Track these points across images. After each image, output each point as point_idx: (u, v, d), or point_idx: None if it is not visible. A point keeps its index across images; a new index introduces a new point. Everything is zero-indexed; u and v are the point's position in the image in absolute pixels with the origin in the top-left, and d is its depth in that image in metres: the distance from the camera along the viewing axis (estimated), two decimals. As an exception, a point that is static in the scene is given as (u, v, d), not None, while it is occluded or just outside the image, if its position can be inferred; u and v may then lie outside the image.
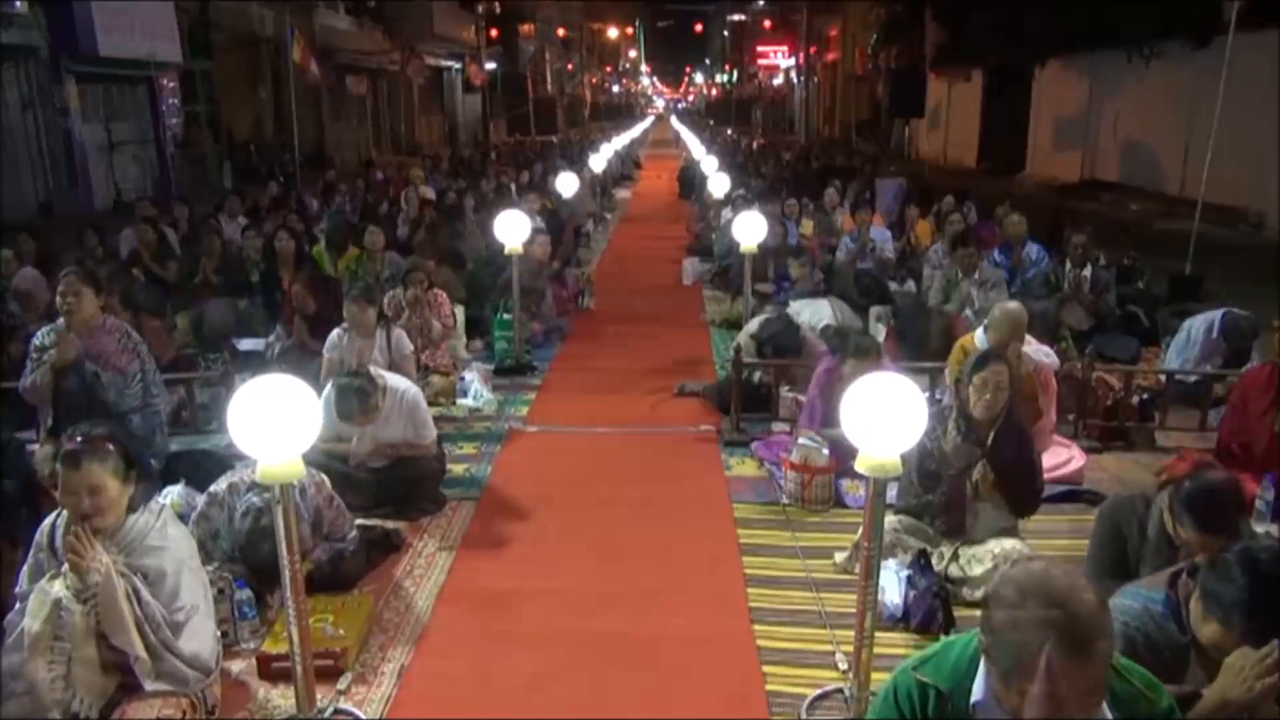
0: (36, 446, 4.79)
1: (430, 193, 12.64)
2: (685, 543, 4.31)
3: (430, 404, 5.29)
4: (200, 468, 4.57)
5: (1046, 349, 5.18)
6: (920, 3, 24.38)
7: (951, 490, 3.76)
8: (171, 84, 18.28)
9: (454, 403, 6.17)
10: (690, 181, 17.41)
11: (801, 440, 4.70)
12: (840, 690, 3.16)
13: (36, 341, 4.73)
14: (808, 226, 10.61)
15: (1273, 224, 12.13)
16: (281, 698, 3.15)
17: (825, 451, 4.60)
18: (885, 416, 2.73)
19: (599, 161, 17.77)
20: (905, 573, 3.61)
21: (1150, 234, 11.47)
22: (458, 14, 34.11)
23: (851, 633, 3.05)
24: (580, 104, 59.21)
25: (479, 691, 3.25)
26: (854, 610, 3.02)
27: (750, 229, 6.80)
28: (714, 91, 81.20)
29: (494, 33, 39.30)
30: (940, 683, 1.93)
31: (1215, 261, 9.26)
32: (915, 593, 3.54)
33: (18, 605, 2.81)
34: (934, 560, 3.70)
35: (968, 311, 6.62)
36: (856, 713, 2.96)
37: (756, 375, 5.93)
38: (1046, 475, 4.17)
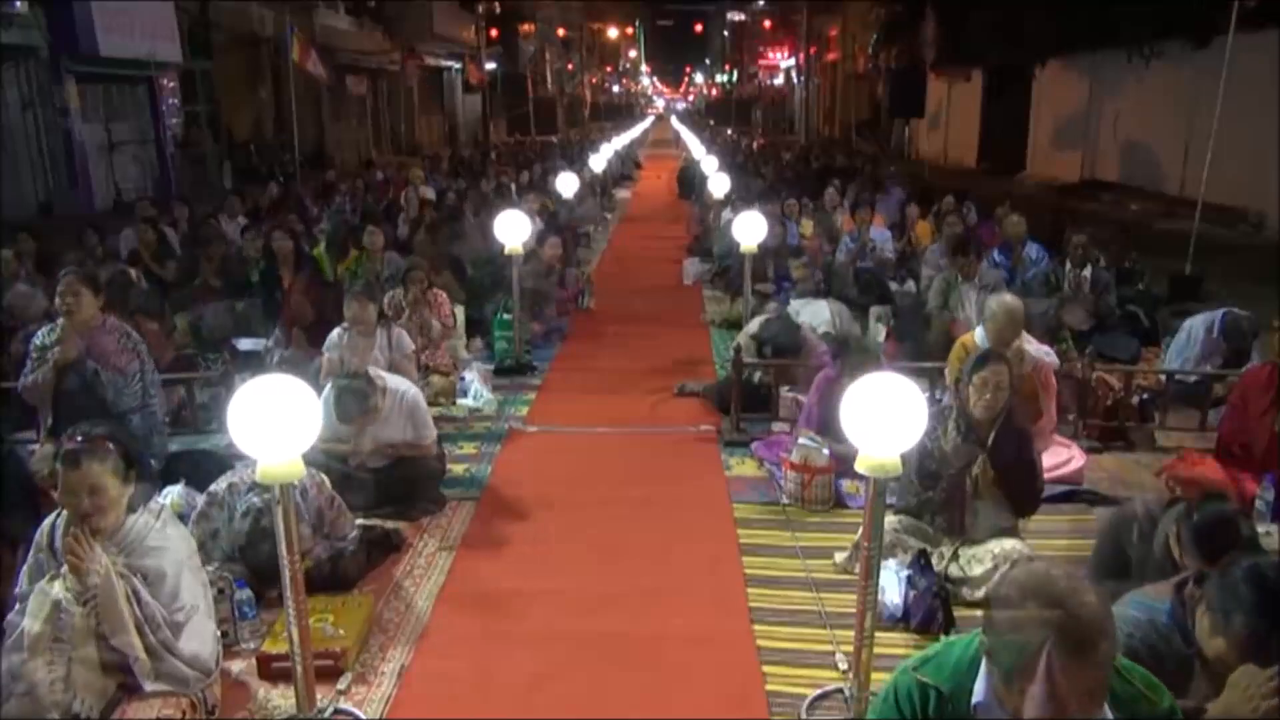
0: (36, 446, 4.79)
1: (430, 193, 12.64)
2: (685, 543, 4.31)
3: (430, 404, 5.29)
4: (200, 468, 4.56)
5: (1046, 349, 5.18)
6: (920, 3, 24.38)
7: (951, 490, 3.76)
8: (171, 84, 18.28)
9: (454, 403, 6.16)
10: (689, 182, 17.40)
11: (801, 440, 4.70)
12: (840, 690, 3.16)
13: (37, 340, 4.73)
14: (808, 226, 10.60)
15: (1273, 224, 12.13)
16: (281, 698, 3.15)
17: (825, 451, 4.60)
18: (885, 416, 2.73)
19: (599, 161, 17.78)
20: (905, 573, 3.61)
21: (1150, 234, 11.47)
22: (458, 14, 34.10)
23: (851, 633, 3.05)
24: (580, 104, 59.21)
25: (479, 691, 3.24)
26: (854, 610, 3.01)
27: (750, 229, 6.80)
28: (714, 91, 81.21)
29: (494, 33, 39.30)
30: (941, 683, 1.93)
31: (1215, 261, 9.26)
32: (915, 593, 3.54)
33: (18, 606, 2.81)
34: (934, 560, 3.69)
35: (969, 314, 6.60)
36: (856, 713, 2.96)
37: (756, 375, 5.92)
38: (1046, 475, 4.17)
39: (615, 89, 79.44)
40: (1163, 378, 5.79)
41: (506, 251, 6.86)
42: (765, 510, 4.62)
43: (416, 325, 6.21)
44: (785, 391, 5.75)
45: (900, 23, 26.83)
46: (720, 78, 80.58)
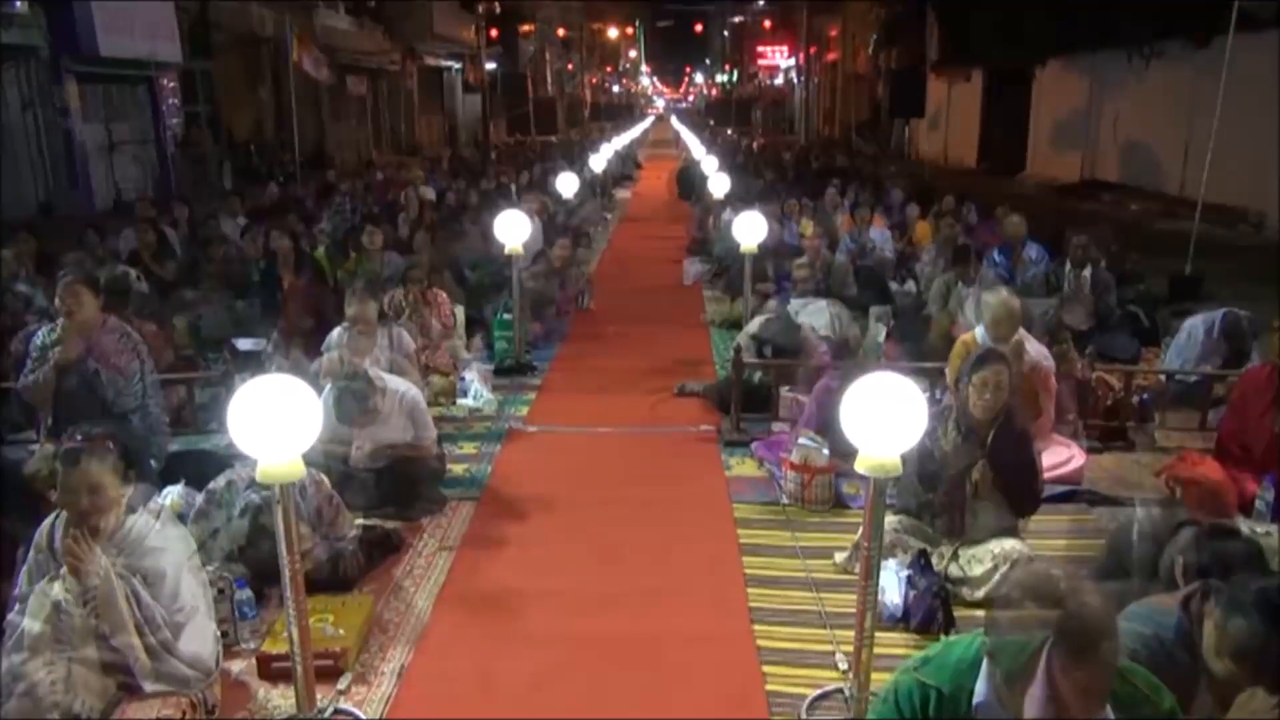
0: (36, 446, 4.78)
1: (430, 193, 12.64)
2: (685, 543, 4.30)
3: (430, 404, 5.29)
4: (200, 468, 4.55)
5: (1044, 352, 5.17)
6: (921, 3, 24.40)
7: (951, 490, 3.76)
8: (171, 84, 18.27)
9: (454, 403, 6.16)
10: (689, 182, 17.38)
11: (801, 440, 4.69)
12: (840, 690, 3.16)
13: (38, 340, 4.72)
14: (808, 226, 10.59)
15: (1273, 224, 12.13)
16: (281, 698, 3.15)
17: (825, 451, 4.60)
18: (885, 416, 2.73)
19: (599, 162, 17.76)
20: (905, 573, 3.61)
21: (1150, 234, 11.47)
22: (458, 14, 34.08)
23: (851, 633, 3.05)
24: (580, 104, 59.14)
25: (479, 691, 3.24)
26: (854, 610, 3.01)
27: (750, 229, 6.80)
28: (714, 92, 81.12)
29: (494, 33, 39.24)
30: (941, 684, 1.93)
31: (1215, 261, 9.26)
32: (915, 593, 3.54)
33: (18, 606, 2.81)
34: (934, 560, 3.70)
35: (969, 317, 6.60)
36: (856, 713, 2.96)
37: (756, 375, 5.92)
38: (1046, 475, 4.17)
39: (615, 89, 79.39)
40: (1163, 378, 5.79)
41: (507, 251, 6.85)
42: (765, 510, 4.62)
43: (416, 325, 6.21)
44: (785, 391, 5.75)
45: (901, 23, 26.86)
46: (720, 78, 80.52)
